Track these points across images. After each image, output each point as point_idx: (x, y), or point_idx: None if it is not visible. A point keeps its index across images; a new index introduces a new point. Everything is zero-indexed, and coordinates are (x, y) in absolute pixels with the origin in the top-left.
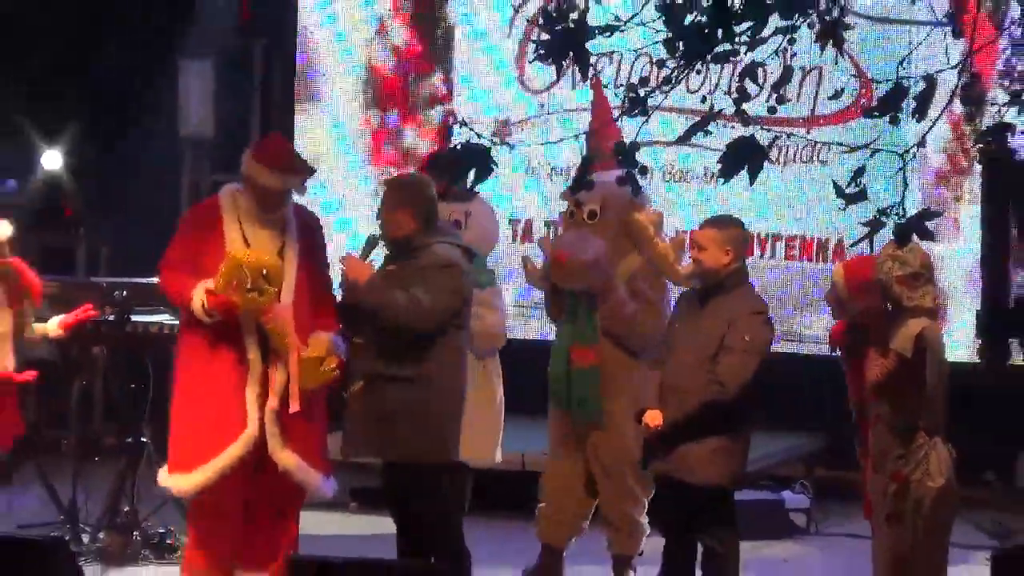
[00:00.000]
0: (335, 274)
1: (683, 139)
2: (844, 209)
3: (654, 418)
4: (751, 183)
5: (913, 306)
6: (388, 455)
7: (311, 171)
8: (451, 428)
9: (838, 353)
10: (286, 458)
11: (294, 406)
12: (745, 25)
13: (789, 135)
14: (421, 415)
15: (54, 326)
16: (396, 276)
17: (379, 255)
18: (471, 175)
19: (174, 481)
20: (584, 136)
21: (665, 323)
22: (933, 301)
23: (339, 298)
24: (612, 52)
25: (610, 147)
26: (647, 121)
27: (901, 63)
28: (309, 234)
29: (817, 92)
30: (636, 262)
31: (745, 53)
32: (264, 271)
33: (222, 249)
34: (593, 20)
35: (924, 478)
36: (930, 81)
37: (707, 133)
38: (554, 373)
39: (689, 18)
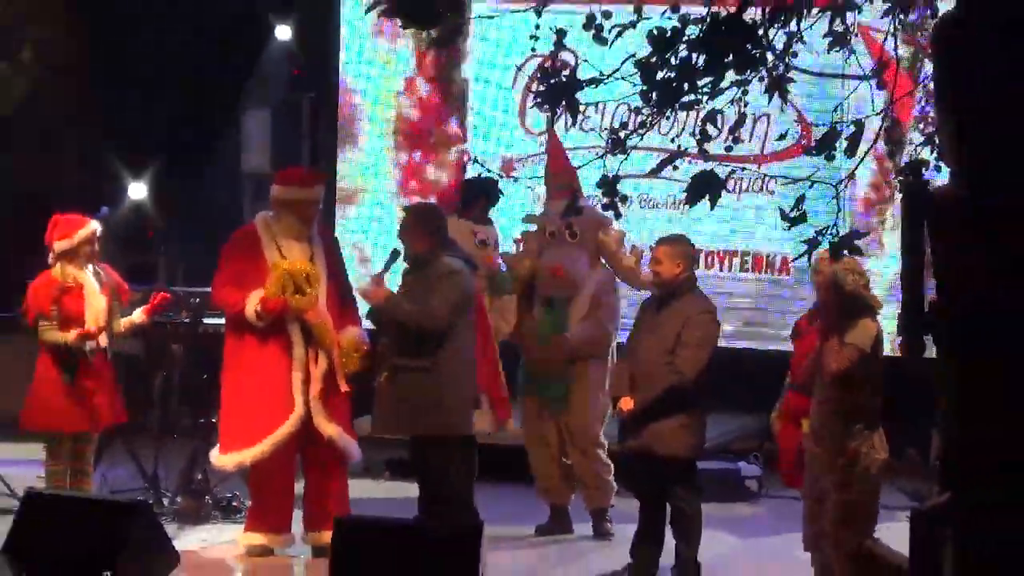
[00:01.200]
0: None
1: (655, 172)
2: (788, 230)
3: (627, 403)
4: (711, 208)
5: (876, 308)
6: (408, 431)
7: (324, 178)
8: (460, 407)
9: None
10: (331, 429)
11: (343, 386)
12: (706, 79)
13: (743, 169)
14: (434, 398)
15: (138, 313)
16: (413, 286)
17: (397, 267)
18: (484, 201)
19: (231, 459)
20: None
21: (619, 322)
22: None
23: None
24: (597, 102)
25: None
26: (626, 158)
27: (835, 110)
28: (330, 246)
29: (766, 134)
30: (603, 273)
31: (706, 102)
32: (306, 275)
33: (263, 264)
34: (582, 75)
35: (871, 451)
36: (859, 125)
37: (675, 168)
38: (530, 360)
39: (661, 74)
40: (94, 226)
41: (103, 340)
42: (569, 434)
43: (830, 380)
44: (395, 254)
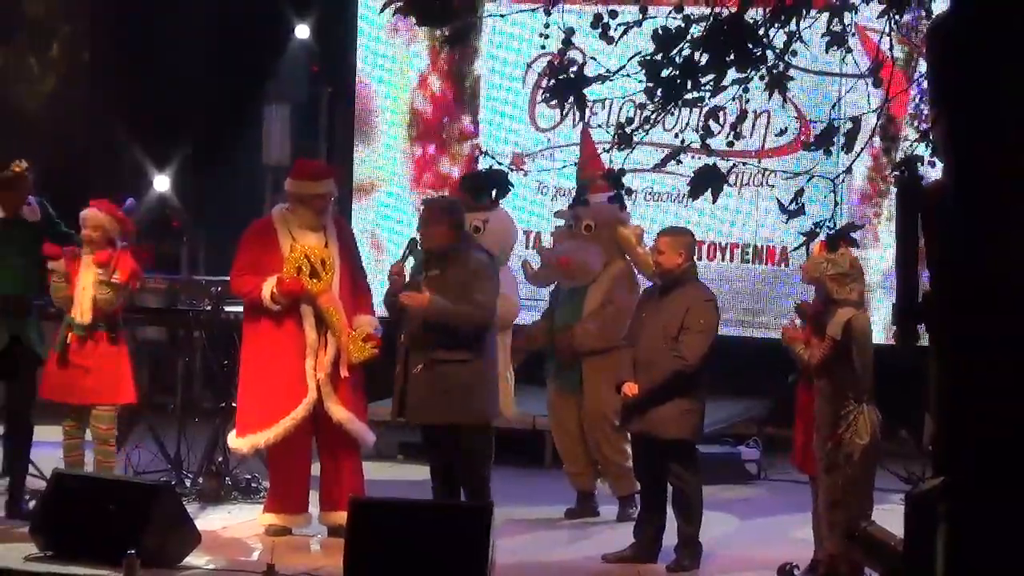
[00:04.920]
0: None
1: (660, 166)
2: (787, 222)
3: (631, 388)
4: (713, 202)
5: (842, 299)
6: (448, 418)
7: (336, 174)
8: (493, 394)
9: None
10: (339, 413)
11: (344, 372)
12: (709, 77)
13: (744, 164)
14: (473, 387)
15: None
16: (441, 280)
17: (411, 259)
18: (495, 192)
19: (248, 441)
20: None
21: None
22: (860, 295)
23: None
24: (604, 98)
25: (599, 176)
26: (631, 152)
27: (833, 107)
28: (344, 236)
29: (766, 130)
30: (621, 266)
31: (709, 99)
32: (322, 260)
33: (279, 254)
34: (589, 72)
35: (853, 437)
36: (856, 122)
37: (679, 162)
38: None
39: (665, 72)
40: (91, 212)
41: (86, 317)
42: (585, 419)
43: (814, 371)
44: (413, 242)
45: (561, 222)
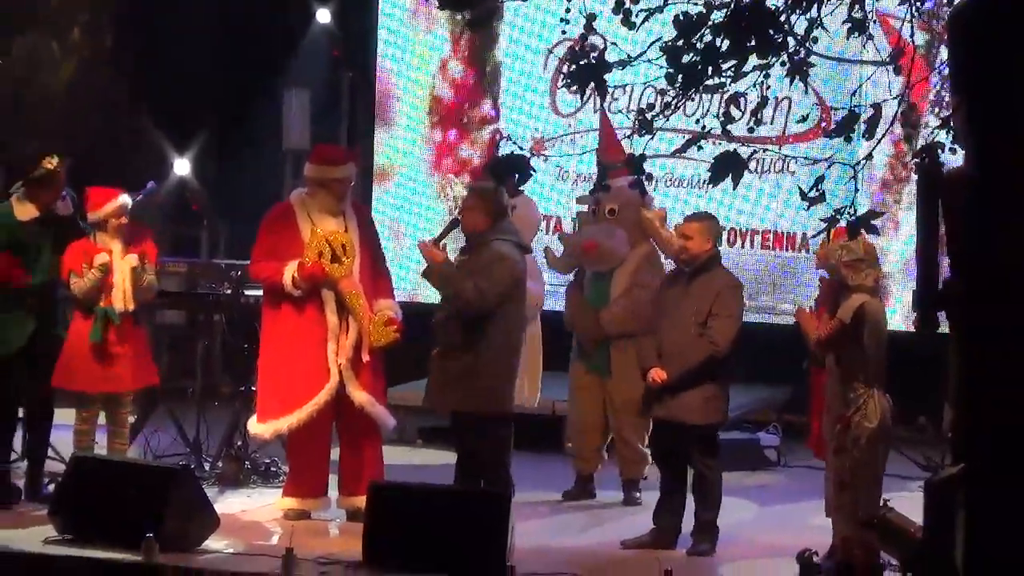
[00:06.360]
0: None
1: (680, 152)
2: (807, 209)
3: (659, 374)
4: (734, 188)
5: (856, 284)
6: (453, 407)
7: (356, 158)
8: (501, 386)
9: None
10: (360, 397)
11: (366, 357)
12: (730, 63)
13: (765, 150)
14: (478, 377)
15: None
16: (468, 266)
17: (450, 239)
18: (516, 177)
19: (270, 427)
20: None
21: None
22: (875, 281)
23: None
24: (625, 84)
25: (620, 160)
26: (652, 138)
27: (854, 94)
28: (364, 220)
29: (787, 116)
30: (646, 248)
31: (730, 85)
32: (342, 244)
33: (299, 239)
34: (610, 58)
35: (862, 420)
36: (877, 108)
37: (700, 148)
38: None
39: (686, 57)
40: (122, 199)
41: (130, 304)
42: (612, 404)
43: (817, 349)
44: (453, 223)
45: (583, 208)
